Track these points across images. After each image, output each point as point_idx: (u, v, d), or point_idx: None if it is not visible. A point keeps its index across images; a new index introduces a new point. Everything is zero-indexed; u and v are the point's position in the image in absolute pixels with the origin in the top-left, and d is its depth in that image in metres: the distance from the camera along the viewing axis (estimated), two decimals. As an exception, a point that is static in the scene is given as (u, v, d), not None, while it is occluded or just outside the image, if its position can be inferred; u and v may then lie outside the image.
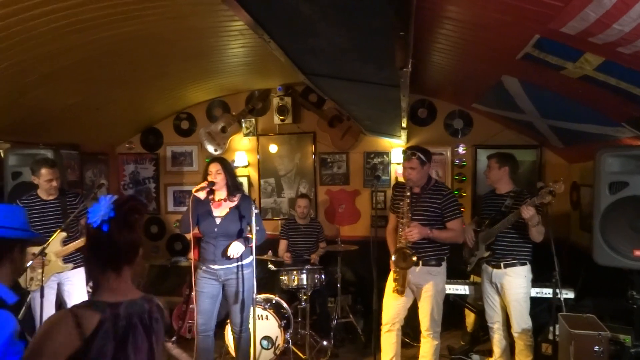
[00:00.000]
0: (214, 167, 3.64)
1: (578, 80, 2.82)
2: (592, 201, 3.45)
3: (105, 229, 1.40)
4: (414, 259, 3.35)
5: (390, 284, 3.63)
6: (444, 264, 3.63)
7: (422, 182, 3.56)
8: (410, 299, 3.64)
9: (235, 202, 3.70)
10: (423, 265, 3.52)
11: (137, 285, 1.55)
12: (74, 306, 1.42)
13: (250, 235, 3.65)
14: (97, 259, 1.46)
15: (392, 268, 3.57)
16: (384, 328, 3.68)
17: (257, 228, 3.57)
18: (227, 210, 3.68)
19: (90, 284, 5.21)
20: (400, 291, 3.50)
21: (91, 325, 1.34)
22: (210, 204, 3.70)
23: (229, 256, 3.56)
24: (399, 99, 2.63)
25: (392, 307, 3.63)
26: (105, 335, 1.36)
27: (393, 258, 3.50)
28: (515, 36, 2.60)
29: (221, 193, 3.70)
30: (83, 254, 1.52)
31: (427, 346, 3.59)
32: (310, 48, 1.96)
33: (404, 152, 3.60)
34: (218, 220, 3.65)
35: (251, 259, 3.74)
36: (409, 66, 1.80)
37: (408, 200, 3.48)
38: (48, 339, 1.32)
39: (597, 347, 2.88)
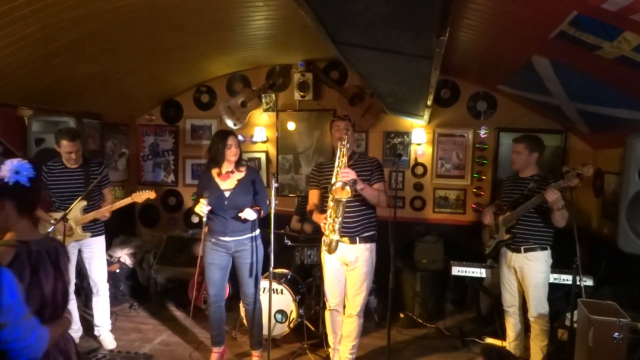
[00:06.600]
0: (232, 141, 3.60)
1: (613, 61, 2.72)
2: (617, 188, 3.38)
3: (29, 185, 1.78)
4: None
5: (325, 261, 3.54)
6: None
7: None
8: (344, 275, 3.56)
9: (243, 174, 3.70)
10: (359, 242, 3.46)
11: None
12: None
13: (257, 208, 3.65)
14: (18, 208, 1.80)
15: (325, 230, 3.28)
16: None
17: (276, 202, 3.55)
18: (235, 182, 3.66)
19: (109, 251, 5.34)
20: (332, 247, 3.27)
21: (8, 257, 1.69)
22: (215, 177, 3.67)
23: (243, 219, 3.54)
24: (429, 73, 2.57)
25: (336, 285, 3.58)
26: (21, 264, 1.72)
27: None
28: (551, 13, 2.51)
29: (229, 166, 3.67)
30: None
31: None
32: (345, 14, 1.91)
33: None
34: (227, 194, 3.62)
35: (259, 231, 3.78)
36: (446, 35, 1.75)
37: (344, 160, 3.21)
38: None
39: (617, 333, 2.85)
